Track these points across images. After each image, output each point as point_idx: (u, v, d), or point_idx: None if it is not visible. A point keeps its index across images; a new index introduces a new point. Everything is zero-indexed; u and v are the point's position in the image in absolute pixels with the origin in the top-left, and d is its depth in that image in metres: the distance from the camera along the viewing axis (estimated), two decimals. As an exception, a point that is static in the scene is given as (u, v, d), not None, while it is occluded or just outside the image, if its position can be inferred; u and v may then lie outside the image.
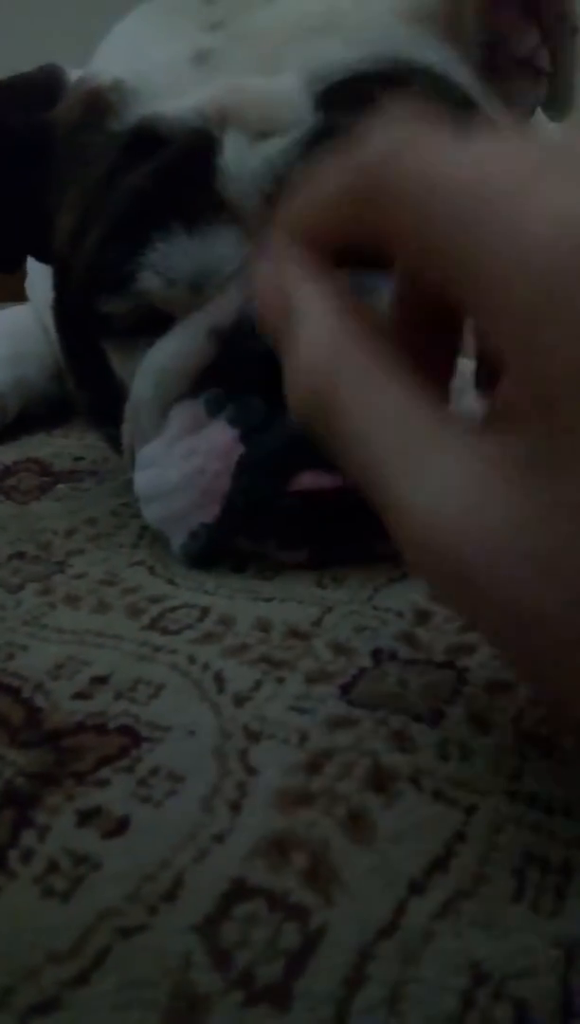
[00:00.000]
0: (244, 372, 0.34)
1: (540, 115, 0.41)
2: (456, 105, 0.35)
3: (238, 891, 0.20)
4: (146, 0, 0.43)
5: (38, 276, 0.46)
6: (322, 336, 0.19)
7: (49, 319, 0.62)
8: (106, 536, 0.42)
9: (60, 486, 0.50)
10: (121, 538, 0.41)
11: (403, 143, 0.18)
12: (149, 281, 0.34)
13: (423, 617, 0.31)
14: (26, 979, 0.18)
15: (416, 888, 0.19)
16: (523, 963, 0.18)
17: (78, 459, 0.55)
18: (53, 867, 0.21)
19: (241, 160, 0.33)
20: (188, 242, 0.33)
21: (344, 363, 0.18)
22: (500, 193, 0.16)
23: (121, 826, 0.22)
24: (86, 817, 0.22)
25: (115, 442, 0.42)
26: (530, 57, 0.38)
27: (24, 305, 0.69)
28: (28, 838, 0.22)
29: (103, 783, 0.23)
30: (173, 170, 0.33)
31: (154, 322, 0.36)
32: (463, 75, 0.36)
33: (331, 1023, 0.17)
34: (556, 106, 0.40)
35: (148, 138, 0.34)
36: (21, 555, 0.40)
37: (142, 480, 0.38)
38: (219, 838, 0.21)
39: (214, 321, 0.34)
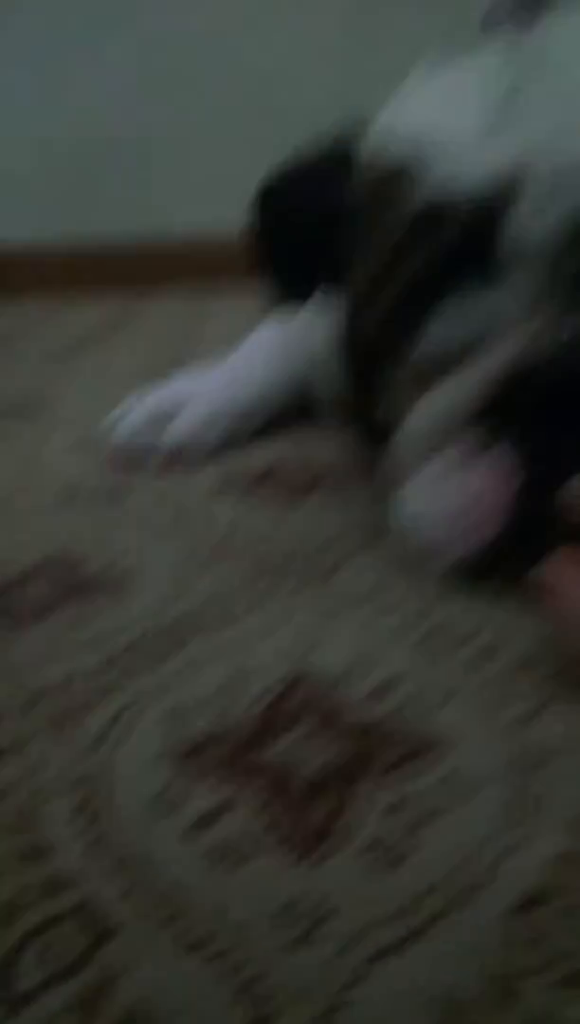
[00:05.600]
0: (515, 415, 0.37)
1: None
2: None
3: (542, 891, 0.23)
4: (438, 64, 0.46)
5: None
6: None
7: (310, 335, 0.67)
8: (370, 545, 0.46)
9: (320, 491, 0.55)
10: (385, 549, 0.45)
11: None
12: (426, 348, 0.40)
13: None
14: (372, 927, 0.22)
15: None
16: None
17: (332, 465, 0.60)
18: (378, 842, 0.25)
19: (535, 218, 0.36)
20: (465, 311, 0.38)
21: None
22: None
23: (431, 817, 0.25)
24: (398, 805, 0.26)
25: (379, 463, 0.47)
26: None
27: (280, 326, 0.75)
28: (352, 814, 0.26)
29: (408, 777, 0.27)
30: (459, 242, 0.38)
31: (434, 369, 0.40)
32: None
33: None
34: None
35: (438, 211, 0.39)
36: (299, 556, 0.45)
37: (412, 505, 0.42)
38: (519, 845, 0.24)
39: (487, 372, 0.38)
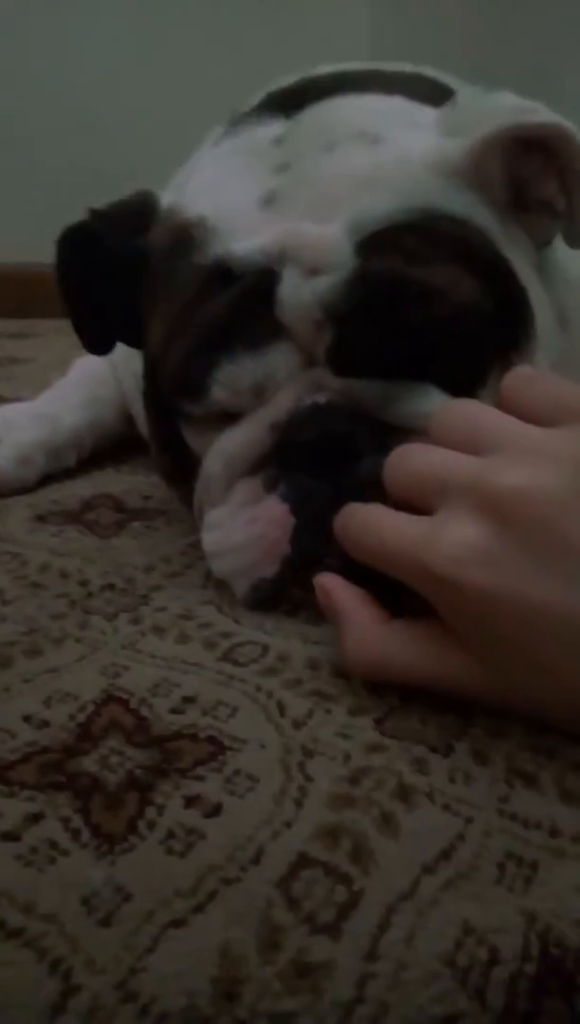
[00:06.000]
0: (295, 455, 0.43)
1: (558, 241, 0.50)
2: (474, 242, 0.44)
3: (303, 861, 0.28)
4: (226, 135, 0.51)
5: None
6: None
7: (122, 372, 0.72)
8: (179, 575, 0.50)
9: (134, 524, 0.59)
10: (192, 578, 0.50)
11: (372, 519, 0.37)
12: (219, 393, 0.43)
13: (440, 669, 0.40)
14: (162, 905, 0.26)
15: (428, 870, 0.28)
16: (498, 924, 0.26)
17: (147, 497, 0.64)
18: (171, 834, 0.29)
19: (295, 292, 0.42)
20: (250, 361, 0.42)
21: None
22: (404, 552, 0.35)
23: (216, 810, 0.30)
24: (190, 801, 0.31)
25: (186, 499, 0.51)
26: (549, 200, 0.46)
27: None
28: (150, 813, 0.30)
29: (200, 778, 0.32)
30: (241, 302, 0.43)
31: (224, 416, 0.45)
32: (484, 216, 0.44)
33: (367, 950, 0.25)
34: (572, 237, 0.48)
35: (223, 272, 0.43)
36: (111, 587, 0.48)
37: (209, 539, 0.47)
38: (288, 824, 0.30)
39: (272, 417, 0.43)
